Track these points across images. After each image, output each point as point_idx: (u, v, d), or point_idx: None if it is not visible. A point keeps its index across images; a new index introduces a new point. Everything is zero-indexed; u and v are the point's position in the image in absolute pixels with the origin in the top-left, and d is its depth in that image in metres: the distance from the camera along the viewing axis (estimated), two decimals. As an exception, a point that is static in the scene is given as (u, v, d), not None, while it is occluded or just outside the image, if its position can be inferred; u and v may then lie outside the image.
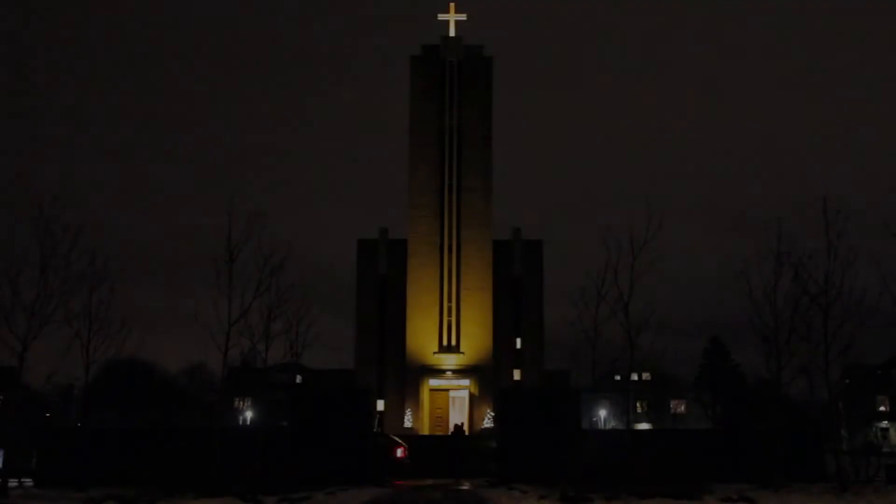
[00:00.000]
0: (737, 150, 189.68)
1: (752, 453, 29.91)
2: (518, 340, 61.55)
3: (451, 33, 62.82)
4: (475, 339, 58.75)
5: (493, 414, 54.09)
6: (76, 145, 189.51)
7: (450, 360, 58.51)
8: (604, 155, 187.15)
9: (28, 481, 34.23)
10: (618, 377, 55.10)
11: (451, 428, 53.47)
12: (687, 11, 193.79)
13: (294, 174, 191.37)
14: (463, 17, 63.47)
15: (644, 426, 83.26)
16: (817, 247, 27.58)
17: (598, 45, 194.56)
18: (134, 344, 30.19)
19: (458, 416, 57.58)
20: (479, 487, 30.29)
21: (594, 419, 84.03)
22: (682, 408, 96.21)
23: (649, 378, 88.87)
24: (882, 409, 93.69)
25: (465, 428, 54.39)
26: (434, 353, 58.54)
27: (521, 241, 62.61)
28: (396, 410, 58.60)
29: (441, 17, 63.43)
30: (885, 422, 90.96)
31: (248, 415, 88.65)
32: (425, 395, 58.17)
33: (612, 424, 75.02)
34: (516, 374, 60.90)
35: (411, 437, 46.02)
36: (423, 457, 38.29)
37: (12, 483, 30.30)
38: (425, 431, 56.56)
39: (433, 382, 58.47)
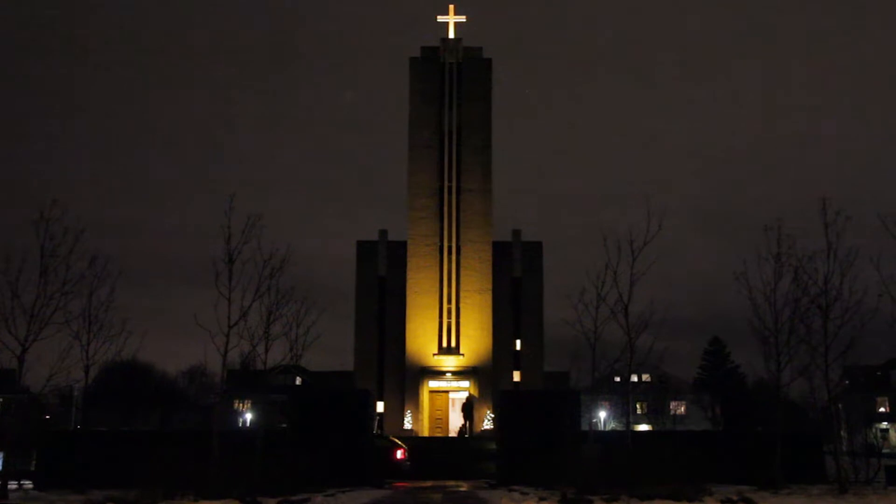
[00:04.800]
0: (736, 150, 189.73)
1: (752, 455, 29.91)
2: (518, 342, 61.59)
3: (451, 35, 62.86)
4: (475, 340, 58.75)
5: (492, 415, 54.10)
6: (75, 145, 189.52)
7: (449, 362, 58.50)
8: (604, 155, 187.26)
9: (28, 483, 34.22)
10: (618, 378, 55.02)
11: (459, 427, 53.72)
12: (685, 11, 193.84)
13: (294, 175, 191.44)
14: (462, 18, 63.51)
15: (644, 427, 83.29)
16: (817, 248, 27.55)
17: (597, 46, 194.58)
18: (133, 346, 30.19)
19: (457, 417, 57.56)
20: (479, 489, 30.30)
21: (594, 420, 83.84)
22: (682, 409, 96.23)
23: (649, 379, 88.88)
24: (882, 410, 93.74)
25: (470, 429, 54.38)
26: (434, 354, 58.53)
27: (520, 242, 62.67)
28: (396, 412, 58.60)
29: (440, 18, 63.48)
30: (885, 423, 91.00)
31: (248, 417, 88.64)
32: (425, 397, 58.15)
33: (612, 426, 74.89)
34: (516, 376, 60.93)
35: (411, 439, 46.03)
36: (422, 459, 38.29)
37: (12, 485, 30.27)
38: (425, 433, 56.55)
39: (433, 384, 58.46)
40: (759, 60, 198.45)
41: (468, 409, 52.81)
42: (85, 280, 27.04)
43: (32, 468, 36.26)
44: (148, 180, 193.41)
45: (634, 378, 38.38)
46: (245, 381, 68.08)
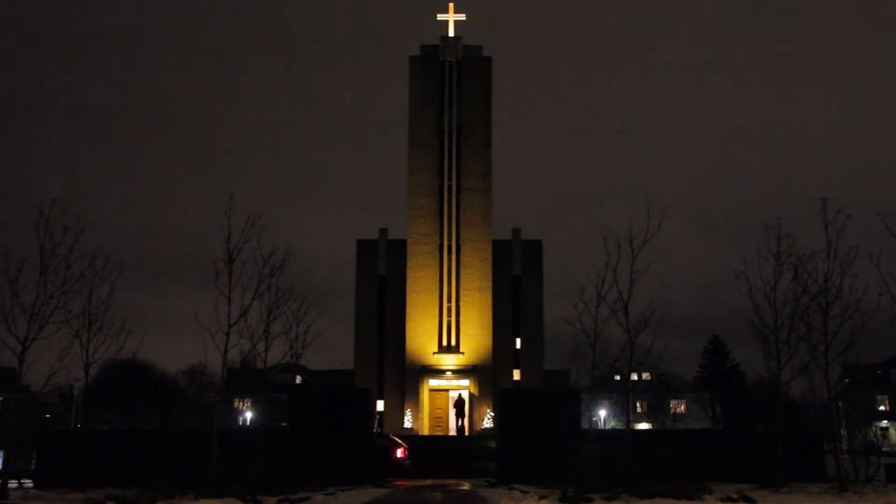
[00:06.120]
0: (737, 150, 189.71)
1: (752, 453, 29.92)
2: (518, 340, 61.52)
3: (451, 33, 62.81)
4: (475, 339, 58.73)
5: (492, 414, 54.15)
6: (76, 145, 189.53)
7: (449, 361, 58.49)
8: (604, 155, 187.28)
9: (28, 482, 34.27)
10: (618, 377, 55.07)
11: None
12: (685, 11, 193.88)
13: (293, 174, 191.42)
14: (462, 17, 63.45)
15: (644, 426, 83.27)
16: (817, 246, 27.58)
17: (597, 45, 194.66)
18: (133, 345, 30.21)
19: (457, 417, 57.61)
20: (479, 488, 30.31)
21: (594, 419, 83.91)
22: (682, 408, 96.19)
23: (649, 378, 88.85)
24: (882, 408, 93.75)
25: (465, 426, 54.51)
26: (434, 353, 58.53)
27: (520, 241, 62.60)
28: (396, 411, 58.59)
29: (440, 17, 63.42)
30: (885, 421, 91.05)
31: (248, 415, 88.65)
32: (425, 396, 58.15)
33: (612, 424, 74.95)
34: (516, 375, 60.88)
35: (411, 438, 46.04)
36: (423, 457, 38.30)
37: (12, 484, 30.30)
38: (425, 432, 56.55)
39: (433, 383, 58.46)
40: (759, 60, 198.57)
41: (460, 407, 53.05)
42: (85, 279, 27.10)
43: (32, 467, 36.31)
44: (148, 179, 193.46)
45: (634, 377, 38.41)
46: (245, 379, 68.10)
